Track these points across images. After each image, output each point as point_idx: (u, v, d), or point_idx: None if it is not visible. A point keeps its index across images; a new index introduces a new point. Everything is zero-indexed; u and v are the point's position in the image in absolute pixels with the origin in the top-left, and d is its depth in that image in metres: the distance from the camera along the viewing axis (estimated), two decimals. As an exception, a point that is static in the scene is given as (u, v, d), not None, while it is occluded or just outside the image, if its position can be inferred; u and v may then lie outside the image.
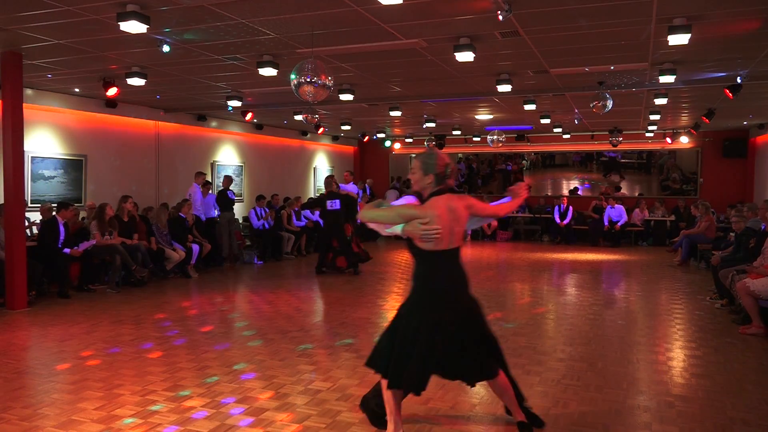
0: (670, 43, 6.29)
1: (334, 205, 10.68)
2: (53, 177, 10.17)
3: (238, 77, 8.87)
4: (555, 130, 15.27)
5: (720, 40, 6.68)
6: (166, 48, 6.84)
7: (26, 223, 8.49)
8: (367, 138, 18.36)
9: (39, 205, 9.66)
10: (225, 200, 11.55)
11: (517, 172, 19.34)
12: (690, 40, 6.13)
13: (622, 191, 17.08)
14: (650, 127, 14.96)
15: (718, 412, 4.18)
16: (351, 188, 11.76)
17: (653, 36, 6.48)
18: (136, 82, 8.34)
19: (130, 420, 4.02)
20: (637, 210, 15.37)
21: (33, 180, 9.78)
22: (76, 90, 9.89)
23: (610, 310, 7.61)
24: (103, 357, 5.47)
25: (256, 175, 15.12)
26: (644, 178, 17.19)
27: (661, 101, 10.14)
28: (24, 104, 7.78)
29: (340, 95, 9.52)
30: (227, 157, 14.22)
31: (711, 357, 5.53)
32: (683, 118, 13.56)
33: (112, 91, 9.07)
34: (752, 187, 15.18)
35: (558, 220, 15.69)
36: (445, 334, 3.38)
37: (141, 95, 10.39)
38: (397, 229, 3.50)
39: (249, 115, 12.37)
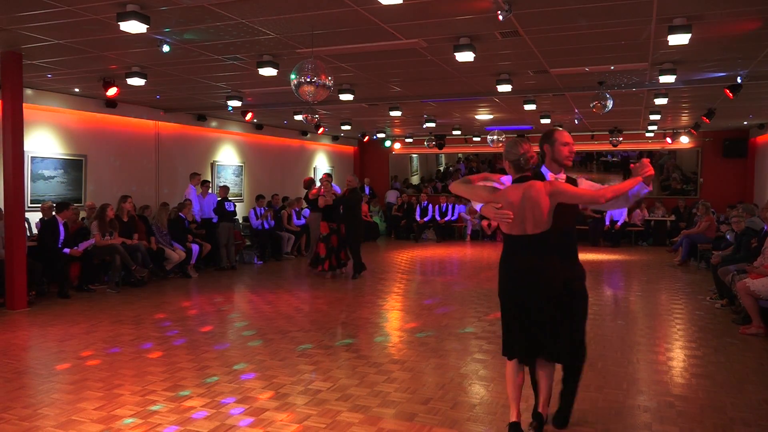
0: (670, 43, 6.29)
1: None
2: (53, 177, 10.16)
3: (238, 77, 8.87)
4: (555, 130, 15.23)
5: (720, 40, 6.68)
6: (166, 48, 6.84)
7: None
8: (367, 138, 18.36)
9: (38, 205, 9.69)
10: (224, 211, 11.49)
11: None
12: (690, 40, 6.13)
13: None
14: (650, 127, 14.96)
15: (719, 412, 4.18)
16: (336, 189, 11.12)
17: (653, 36, 6.48)
18: (136, 82, 8.34)
19: (130, 420, 4.02)
20: (637, 210, 15.38)
21: (33, 180, 9.77)
22: (76, 90, 9.89)
23: (610, 310, 7.61)
24: (103, 357, 5.47)
25: (256, 175, 15.12)
26: (644, 178, 17.16)
27: (661, 101, 10.14)
28: (24, 104, 7.79)
29: (340, 95, 9.52)
30: (227, 157, 14.22)
31: (711, 357, 5.53)
32: (683, 118, 13.56)
33: (112, 91, 9.07)
34: (752, 187, 15.18)
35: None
36: (523, 314, 3.53)
37: (141, 95, 10.39)
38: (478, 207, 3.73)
39: (249, 115, 12.37)
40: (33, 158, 9.78)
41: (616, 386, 4.68)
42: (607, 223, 15.07)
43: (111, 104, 10.72)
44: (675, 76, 7.85)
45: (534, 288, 3.49)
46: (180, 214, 10.57)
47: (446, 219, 16.72)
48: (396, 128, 16.50)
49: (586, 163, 20.05)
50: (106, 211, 9.12)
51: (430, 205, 17.00)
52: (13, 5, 5.61)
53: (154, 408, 4.23)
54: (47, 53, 7.33)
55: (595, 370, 5.05)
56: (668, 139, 15.97)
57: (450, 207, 16.79)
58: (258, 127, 14.87)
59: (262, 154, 15.38)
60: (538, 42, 6.83)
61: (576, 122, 14.01)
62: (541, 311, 3.50)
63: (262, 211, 12.67)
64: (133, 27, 5.68)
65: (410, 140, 18.48)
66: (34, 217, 9.44)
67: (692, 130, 14.97)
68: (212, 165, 13.72)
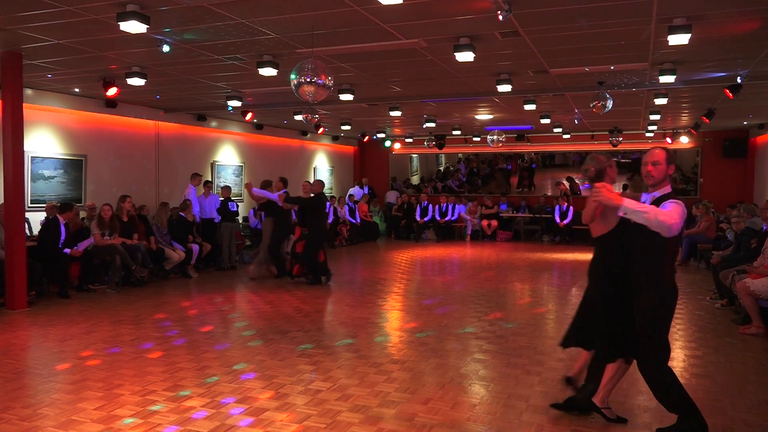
0: (670, 43, 6.29)
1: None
2: (53, 177, 10.16)
3: (238, 77, 8.87)
4: (555, 130, 15.27)
5: (720, 40, 6.68)
6: (166, 48, 6.84)
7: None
8: (367, 138, 18.36)
9: (39, 205, 9.69)
10: (227, 211, 11.48)
11: (525, 170, 19.29)
12: (690, 40, 6.13)
13: (628, 191, 17.11)
14: (650, 127, 14.96)
15: (719, 413, 4.18)
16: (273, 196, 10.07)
17: (653, 36, 6.48)
18: (136, 82, 8.33)
19: (130, 420, 4.02)
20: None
21: (33, 180, 9.77)
22: (76, 90, 9.89)
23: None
24: (103, 357, 5.47)
25: (256, 175, 15.10)
26: (644, 178, 17.16)
27: (661, 101, 10.14)
28: (24, 104, 7.78)
29: (340, 95, 9.52)
30: (227, 157, 14.22)
31: (711, 357, 5.53)
32: (683, 118, 13.56)
33: (112, 91, 9.07)
34: (752, 187, 15.18)
35: (558, 220, 15.69)
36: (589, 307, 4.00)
37: (141, 95, 10.39)
38: None
39: (249, 115, 12.37)
40: (33, 158, 9.78)
41: (617, 386, 4.66)
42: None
43: (111, 104, 10.72)
44: (675, 76, 7.85)
45: (590, 286, 4.11)
46: (181, 214, 10.56)
47: (446, 219, 16.72)
48: (396, 128, 16.49)
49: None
50: (105, 211, 9.13)
51: (430, 205, 17.01)
52: (13, 5, 5.61)
53: (154, 408, 4.23)
54: (47, 53, 7.33)
55: (595, 370, 5.04)
56: (668, 139, 15.97)
57: (450, 207, 16.79)
58: (258, 127, 14.87)
59: (263, 154, 15.38)
60: (538, 42, 6.83)
61: (576, 122, 14.01)
62: (604, 308, 3.94)
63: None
64: (133, 27, 5.68)
65: (410, 140, 18.48)
66: (34, 218, 9.44)
67: (692, 130, 14.98)
68: (212, 165, 13.72)
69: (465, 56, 6.76)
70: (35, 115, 9.74)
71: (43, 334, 6.39)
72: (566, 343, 4.17)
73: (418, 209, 16.98)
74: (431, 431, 3.86)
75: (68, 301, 8.13)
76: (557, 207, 15.79)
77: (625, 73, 8.41)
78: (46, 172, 10.05)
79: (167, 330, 6.53)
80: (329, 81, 6.19)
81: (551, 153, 18.23)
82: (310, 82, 6.09)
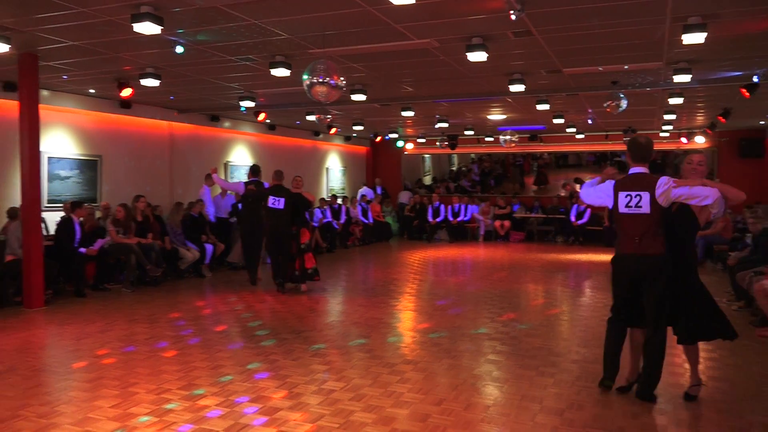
0: (684, 42, 6.23)
1: (277, 203, 8.62)
2: (69, 177, 10.27)
3: (250, 78, 8.92)
4: (568, 130, 15.18)
5: (736, 38, 6.60)
6: (179, 49, 6.89)
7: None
8: (379, 138, 18.37)
9: (55, 205, 9.81)
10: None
11: (542, 167, 19.19)
12: (705, 38, 6.07)
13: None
14: (665, 127, 14.82)
15: (736, 416, 4.13)
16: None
17: (668, 35, 6.43)
18: (150, 83, 8.40)
19: (146, 418, 4.06)
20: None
21: (49, 180, 9.88)
22: (91, 91, 9.99)
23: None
24: (119, 356, 5.52)
25: (269, 176, 15.15)
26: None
27: (676, 101, 10.04)
28: (40, 105, 7.88)
29: (352, 95, 9.53)
30: (240, 158, 14.28)
31: (728, 360, 5.47)
32: (699, 117, 13.42)
33: (126, 92, 9.15)
34: (769, 187, 15.01)
35: (573, 219, 15.58)
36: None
37: (155, 96, 10.48)
38: None
39: (262, 116, 12.42)
40: (49, 158, 9.89)
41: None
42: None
43: (125, 105, 10.81)
44: (690, 76, 7.77)
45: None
46: (191, 213, 10.63)
47: (459, 219, 16.68)
48: (408, 128, 16.47)
49: (600, 162, 19.89)
50: (120, 211, 9.23)
51: (443, 206, 16.97)
52: (29, 7, 5.68)
53: (168, 407, 4.26)
54: (63, 54, 7.41)
55: (609, 372, 5.01)
56: (683, 139, 15.81)
57: (462, 207, 16.75)
58: (271, 128, 14.93)
59: (275, 154, 15.44)
60: (551, 41, 6.79)
61: (590, 122, 13.92)
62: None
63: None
64: (146, 28, 5.73)
65: (422, 140, 18.46)
66: (50, 217, 9.54)
67: (708, 130, 14.82)
68: (225, 165, 13.79)
69: (477, 56, 6.74)
70: (51, 116, 9.86)
71: (60, 333, 6.46)
72: (693, 339, 4.41)
73: (430, 210, 16.95)
74: (445, 431, 3.86)
75: (84, 300, 8.21)
76: (574, 207, 15.67)
77: (640, 73, 8.34)
78: (62, 173, 10.17)
79: (182, 329, 6.57)
80: (341, 81, 6.21)
81: (564, 153, 18.12)
82: (323, 83, 6.11)
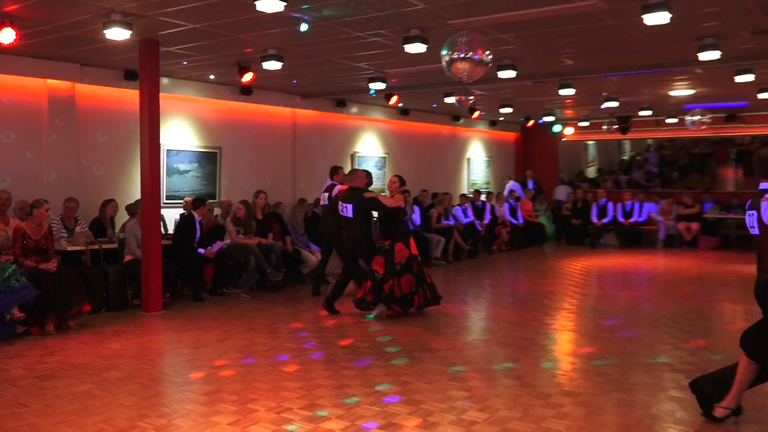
0: None
1: (345, 210, 8.18)
2: (188, 171, 11.17)
3: (381, 56, 9.13)
4: (780, 106, 13.95)
5: None
6: (303, 27, 7.22)
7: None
8: (531, 122, 18.05)
9: (174, 201, 10.70)
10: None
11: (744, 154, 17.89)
12: None
13: None
14: None
15: None
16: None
17: None
18: (273, 65, 8.90)
19: (265, 439, 4.30)
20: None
21: (168, 174, 10.81)
22: (212, 77, 10.78)
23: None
24: (237, 367, 5.91)
25: (401, 168, 15.46)
26: None
27: None
28: (160, 94, 8.62)
29: (499, 72, 9.45)
30: (369, 148, 14.69)
31: None
32: None
33: (247, 77, 9.76)
34: None
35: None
36: None
37: (277, 80, 11.08)
38: None
39: (393, 99, 12.68)
40: (168, 151, 10.80)
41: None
42: None
43: (246, 91, 11.55)
44: None
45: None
46: (315, 211, 11.07)
47: (631, 220, 15.91)
48: (567, 110, 16.06)
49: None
50: (240, 210, 9.86)
51: (611, 204, 16.28)
52: (151, -10, 6.25)
53: (290, 428, 4.49)
54: (183, 39, 8.07)
55: None
56: None
57: (636, 206, 15.96)
58: (403, 113, 15.20)
59: (408, 143, 15.71)
60: (758, -6, 6.28)
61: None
62: None
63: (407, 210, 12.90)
64: (270, 5, 6.07)
65: (585, 124, 17.86)
66: (168, 215, 10.40)
67: None
68: (352, 157, 14.25)
69: (657, 18, 6.39)
70: (170, 105, 10.74)
71: (178, 340, 7.05)
72: None
73: (594, 208, 16.34)
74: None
75: (202, 305, 8.89)
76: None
77: None
78: (181, 166, 11.08)
79: (303, 341, 6.89)
80: (487, 56, 6.16)
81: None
82: (465, 59, 6.11)
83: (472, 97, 11.51)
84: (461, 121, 16.93)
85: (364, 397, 5.09)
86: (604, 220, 16.15)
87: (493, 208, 15.48)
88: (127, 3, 6.62)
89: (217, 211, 10.83)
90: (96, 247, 8.66)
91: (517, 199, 16.62)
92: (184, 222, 9.47)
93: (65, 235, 8.67)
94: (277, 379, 5.55)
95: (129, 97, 10.02)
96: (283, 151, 12.78)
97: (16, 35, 7.13)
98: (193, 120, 11.35)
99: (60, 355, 6.33)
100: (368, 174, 8.47)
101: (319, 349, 6.59)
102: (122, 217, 9.67)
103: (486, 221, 14.94)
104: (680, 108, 15.10)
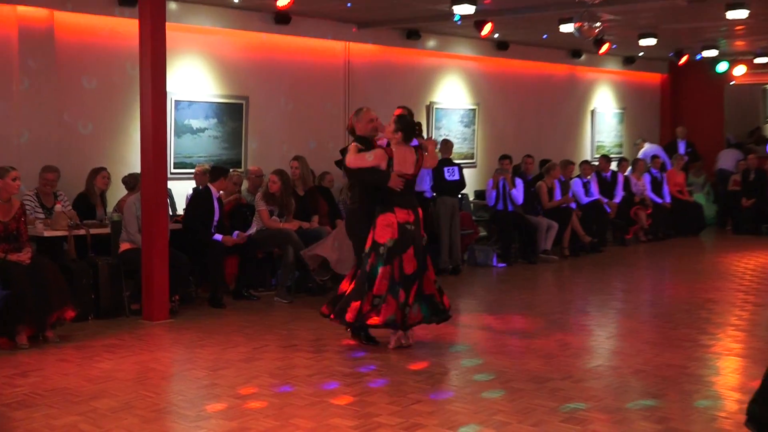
0: None
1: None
2: (203, 129, 11.26)
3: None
4: None
5: None
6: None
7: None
8: (684, 58, 17.58)
9: (184, 171, 10.76)
10: (442, 181, 11.76)
11: None
12: None
13: None
14: None
15: None
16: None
17: None
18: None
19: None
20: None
21: (176, 134, 10.90)
22: (236, 0, 10.83)
23: None
24: (270, 397, 5.96)
25: (496, 124, 15.34)
26: None
27: None
28: (167, 24, 8.70)
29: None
30: (451, 96, 14.57)
31: None
32: None
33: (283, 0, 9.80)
34: None
35: None
36: None
37: (325, 3, 11.08)
38: None
39: (487, 28, 12.52)
40: (177, 103, 10.87)
41: None
42: None
43: (283, 19, 11.59)
44: None
45: None
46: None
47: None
48: (737, 39, 15.68)
49: None
50: (273, 183, 9.82)
51: (801, 176, 15.83)
52: None
53: (340, 481, 4.54)
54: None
55: None
56: None
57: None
58: (501, 47, 15.03)
59: (506, 89, 15.53)
60: None
61: None
62: None
63: (505, 183, 12.72)
64: None
65: (763, 60, 17.32)
66: (177, 189, 10.53)
67: None
68: (428, 108, 14.16)
69: None
70: (180, 39, 10.82)
71: (190, 359, 7.19)
72: None
73: (775, 182, 15.92)
74: None
75: (222, 312, 9.00)
76: None
77: None
78: (194, 123, 11.16)
79: (360, 364, 6.92)
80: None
81: None
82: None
83: (599, 24, 11.26)
84: (583, 58, 16.64)
85: (443, 443, 5.10)
86: (791, 200, 15.72)
87: (627, 181, 15.22)
88: None
89: (243, 184, 10.94)
90: (82, 232, 8.79)
91: (663, 168, 16.27)
92: (198, 199, 9.57)
93: (42, 215, 8.86)
94: (323, 415, 5.59)
95: (125, 29, 10.13)
96: (332, 101, 12.78)
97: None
98: (210, 60, 11.46)
99: (35, 377, 6.50)
100: (402, 117, 7.66)
101: (381, 374, 6.60)
102: (117, 192, 9.88)
103: (617, 200, 14.72)
104: None
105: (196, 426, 5.44)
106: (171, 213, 9.60)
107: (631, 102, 18.53)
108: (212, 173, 9.65)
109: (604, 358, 7.38)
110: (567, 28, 12.17)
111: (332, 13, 12.03)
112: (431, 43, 14.06)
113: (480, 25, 12.44)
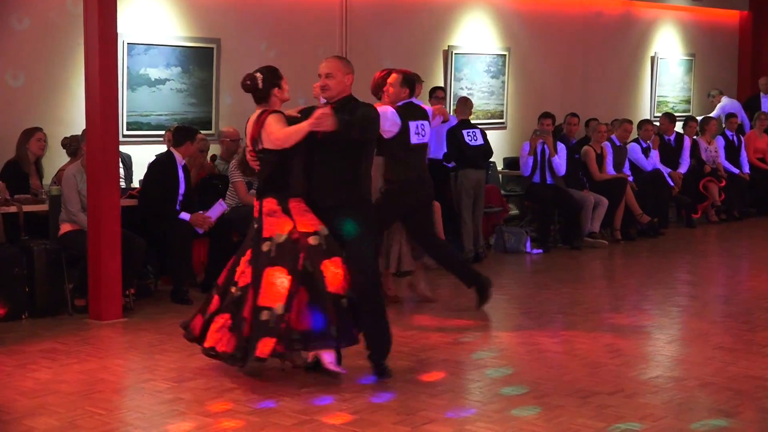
0: None
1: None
2: (163, 81, 11.25)
3: None
4: None
5: None
6: None
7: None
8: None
9: (140, 133, 10.76)
10: (462, 146, 11.72)
11: None
12: None
13: None
14: None
15: None
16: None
17: None
18: None
19: None
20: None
21: (130, 87, 10.88)
22: None
23: None
24: (247, 415, 5.98)
25: (532, 74, 15.34)
26: None
27: None
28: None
29: None
30: (474, 39, 14.54)
31: None
32: None
33: None
34: None
35: None
36: None
37: None
38: None
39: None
40: (130, 47, 10.86)
41: None
42: None
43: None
44: None
45: None
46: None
47: None
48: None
49: None
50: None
51: None
52: None
53: None
54: None
55: None
56: None
57: None
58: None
59: (544, 32, 15.52)
60: None
61: None
62: None
63: (543, 147, 12.68)
64: None
65: None
66: (135, 156, 10.59)
67: None
68: (445, 54, 14.14)
69: None
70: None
71: (150, 367, 7.21)
72: None
73: None
74: None
75: (188, 309, 9.03)
76: None
77: None
78: (152, 72, 11.15)
79: (360, 373, 6.92)
80: None
81: None
82: None
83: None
84: (641, -10, 16.66)
85: (462, 471, 5.17)
86: None
87: (696, 145, 15.20)
88: None
89: (214, 149, 10.98)
90: (13, 209, 8.83)
91: (741, 130, 16.24)
92: (158, 168, 9.57)
93: (-39, 190, 8.90)
94: (313, 437, 5.66)
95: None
96: (325, 46, 12.76)
97: None
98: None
99: (-44, 389, 6.57)
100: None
101: (386, 387, 6.63)
102: (56, 159, 9.94)
103: (683, 170, 14.71)
104: None
105: (157, 451, 5.51)
106: (124, 186, 9.60)
107: (701, 47, 18.50)
108: (176, 135, 9.61)
109: (664, 367, 7.42)
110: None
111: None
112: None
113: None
